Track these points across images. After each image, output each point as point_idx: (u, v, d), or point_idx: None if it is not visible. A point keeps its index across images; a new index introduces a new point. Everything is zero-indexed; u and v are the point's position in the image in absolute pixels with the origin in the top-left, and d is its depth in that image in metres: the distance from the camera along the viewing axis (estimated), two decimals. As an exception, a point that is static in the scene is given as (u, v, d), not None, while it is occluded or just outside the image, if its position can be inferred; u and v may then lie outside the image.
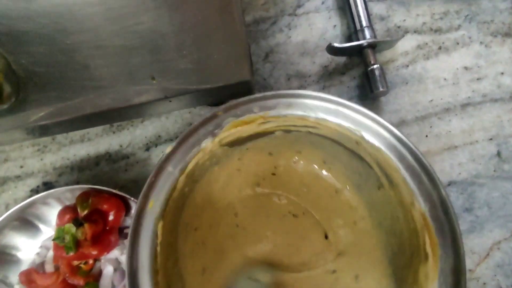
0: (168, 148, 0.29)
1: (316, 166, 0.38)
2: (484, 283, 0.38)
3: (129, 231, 0.28)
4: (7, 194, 0.43)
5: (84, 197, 0.36)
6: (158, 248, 0.28)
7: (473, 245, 0.39)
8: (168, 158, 0.29)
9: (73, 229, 0.34)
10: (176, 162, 0.29)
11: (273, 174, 0.38)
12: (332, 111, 0.31)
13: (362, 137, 0.31)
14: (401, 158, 0.30)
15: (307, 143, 0.36)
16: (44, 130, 0.31)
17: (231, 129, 0.30)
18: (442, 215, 0.29)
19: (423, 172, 0.30)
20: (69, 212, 0.36)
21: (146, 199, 0.28)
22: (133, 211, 0.40)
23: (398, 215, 0.33)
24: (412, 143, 0.30)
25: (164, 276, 0.28)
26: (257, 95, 0.31)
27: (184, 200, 0.32)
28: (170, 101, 0.30)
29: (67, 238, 0.34)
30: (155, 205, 0.29)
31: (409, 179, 0.30)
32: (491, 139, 0.41)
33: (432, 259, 0.29)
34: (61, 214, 0.36)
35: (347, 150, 0.34)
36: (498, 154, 0.41)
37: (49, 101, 0.28)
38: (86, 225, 0.35)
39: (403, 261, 0.33)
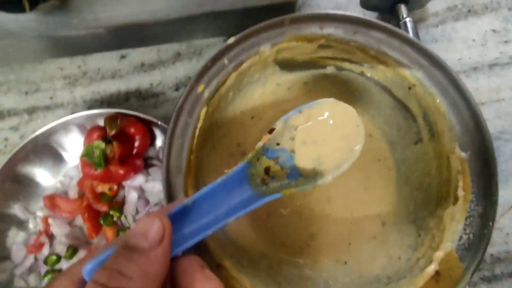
0: (230, 39, 0.29)
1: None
2: (507, 234, 0.38)
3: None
4: (35, 123, 0.43)
5: (113, 118, 0.36)
6: (197, 131, 0.28)
7: None
8: (226, 49, 0.29)
9: (102, 145, 0.34)
10: (232, 57, 0.30)
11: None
12: (395, 46, 0.31)
13: (419, 79, 0.30)
14: (453, 106, 0.30)
15: (354, 88, 0.36)
16: (86, 41, 0.32)
17: (292, 42, 0.30)
18: (482, 163, 0.29)
19: (472, 121, 0.29)
20: (98, 131, 0.36)
21: (198, 81, 0.29)
22: (158, 141, 0.40)
23: (430, 169, 0.33)
24: (470, 92, 0.29)
25: (195, 159, 0.29)
26: (325, 11, 0.30)
27: (225, 104, 0.33)
28: (215, 18, 0.31)
29: (96, 153, 0.34)
30: (204, 90, 0.29)
31: (457, 126, 0.30)
32: (517, 97, 0.42)
33: (462, 202, 0.29)
34: (90, 133, 0.36)
35: (394, 100, 0.34)
36: (524, 112, 0.41)
37: (96, 5, 0.28)
38: (115, 143, 0.35)
39: (426, 211, 0.33)
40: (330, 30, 0.31)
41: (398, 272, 0.30)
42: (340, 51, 0.32)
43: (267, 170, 0.26)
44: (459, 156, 0.29)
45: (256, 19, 0.33)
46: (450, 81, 0.30)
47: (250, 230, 0.35)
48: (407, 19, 0.41)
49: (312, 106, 0.28)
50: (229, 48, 0.30)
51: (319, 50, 0.32)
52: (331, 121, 0.28)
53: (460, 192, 0.29)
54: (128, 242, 0.18)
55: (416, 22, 0.44)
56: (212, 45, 0.44)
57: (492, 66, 0.43)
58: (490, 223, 0.27)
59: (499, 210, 0.39)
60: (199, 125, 0.29)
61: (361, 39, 0.31)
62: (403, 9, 0.42)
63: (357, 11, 0.45)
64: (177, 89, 0.44)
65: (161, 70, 0.44)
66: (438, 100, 0.30)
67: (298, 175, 0.26)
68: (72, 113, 0.44)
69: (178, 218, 0.21)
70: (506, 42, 0.43)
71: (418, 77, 0.31)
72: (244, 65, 0.30)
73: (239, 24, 0.34)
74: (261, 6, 0.30)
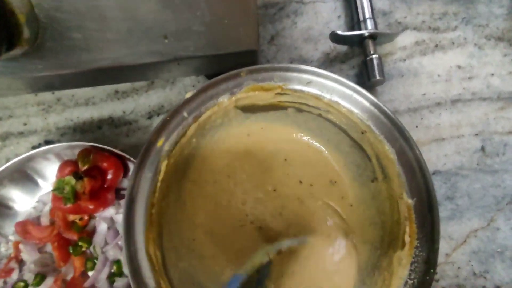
0: (187, 94, 0.30)
1: (319, 150, 0.40)
2: (459, 268, 0.40)
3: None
4: (9, 149, 0.44)
5: (85, 153, 0.37)
6: (158, 184, 0.29)
7: (451, 231, 0.41)
8: (185, 103, 0.30)
9: (72, 181, 0.35)
10: (192, 109, 0.31)
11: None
12: (347, 96, 0.33)
13: (369, 126, 0.33)
14: (400, 152, 0.32)
15: (315, 127, 0.38)
16: (54, 82, 0.33)
17: (250, 92, 0.32)
18: (426, 210, 0.31)
19: (418, 168, 0.31)
20: (70, 165, 0.37)
21: (157, 135, 0.30)
22: (131, 172, 0.41)
23: (385, 208, 0.35)
24: (414, 142, 0.32)
25: (158, 211, 0.30)
26: (281, 64, 0.32)
27: (189, 151, 0.34)
28: (179, 64, 0.32)
29: (67, 189, 0.35)
30: (164, 144, 0.30)
31: (403, 173, 0.32)
32: (476, 134, 0.43)
33: (408, 247, 0.31)
34: (62, 167, 0.37)
35: (351, 140, 0.36)
36: (482, 148, 0.43)
37: (64, 50, 0.29)
38: (85, 179, 0.36)
39: (381, 249, 0.35)
40: (285, 81, 0.33)
41: None
42: (297, 97, 0.34)
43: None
44: (406, 202, 0.31)
45: (221, 63, 0.34)
46: (398, 130, 0.32)
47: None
48: (374, 56, 0.42)
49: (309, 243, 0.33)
50: (187, 101, 0.31)
51: (277, 96, 0.33)
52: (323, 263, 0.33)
53: (407, 238, 0.31)
54: None
55: (384, 56, 0.46)
56: (186, 75, 0.45)
57: (454, 102, 0.44)
58: (432, 271, 0.29)
59: (452, 243, 0.41)
60: (160, 177, 0.30)
61: (315, 90, 0.32)
62: (370, 45, 0.43)
63: (328, 44, 0.46)
64: (149, 117, 0.45)
65: (134, 98, 0.45)
66: (386, 147, 0.32)
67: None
68: (46, 139, 0.45)
69: None
70: (469, 78, 0.45)
71: (368, 124, 0.32)
72: (204, 116, 0.32)
73: (204, 67, 0.35)
74: (223, 53, 0.31)
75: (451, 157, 0.43)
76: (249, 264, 0.29)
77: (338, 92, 0.32)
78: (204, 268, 0.35)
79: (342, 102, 0.32)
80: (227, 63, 0.33)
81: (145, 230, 0.29)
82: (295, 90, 0.32)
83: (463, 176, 0.42)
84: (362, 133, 0.33)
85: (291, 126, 0.39)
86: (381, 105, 0.32)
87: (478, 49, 0.46)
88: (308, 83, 0.32)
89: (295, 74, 0.32)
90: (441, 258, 0.40)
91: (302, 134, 0.40)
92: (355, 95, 0.32)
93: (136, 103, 0.45)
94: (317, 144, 0.39)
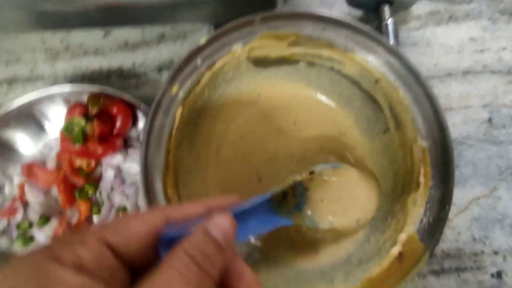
0: (201, 39, 0.30)
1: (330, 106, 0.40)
2: (459, 232, 0.41)
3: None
4: (15, 94, 0.44)
5: (95, 97, 0.37)
6: (174, 132, 0.29)
7: (454, 198, 0.40)
8: (198, 50, 0.30)
9: (82, 122, 0.35)
10: (205, 57, 0.31)
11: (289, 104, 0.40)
12: (361, 42, 0.32)
13: (384, 74, 0.32)
14: (415, 98, 0.32)
15: (326, 82, 0.38)
16: (61, 19, 0.32)
17: (263, 40, 0.31)
18: (441, 152, 0.31)
19: (432, 112, 0.32)
20: (80, 108, 0.37)
21: (171, 82, 0.30)
22: (140, 123, 0.41)
23: (397, 157, 0.35)
24: (430, 86, 0.32)
25: (173, 160, 0.30)
26: (295, 11, 0.32)
27: (201, 104, 0.34)
28: (193, 7, 0.31)
29: (76, 129, 0.35)
30: (178, 92, 0.30)
31: (419, 118, 0.32)
32: (485, 106, 0.44)
33: (423, 188, 0.31)
34: (72, 108, 0.37)
35: (363, 93, 0.36)
36: (489, 120, 0.43)
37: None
38: (95, 122, 0.36)
39: (393, 197, 0.35)
40: (300, 28, 0.32)
41: (368, 254, 0.33)
42: (310, 48, 0.33)
43: (284, 194, 0.30)
44: (421, 145, 0.31)
45: (237, 10, 0.34)
46: (412, 75, 0.32)
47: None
48: (389, 21, 0.42)
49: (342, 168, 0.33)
50: (201, 48, 0.30)
51: (290, 47, 0.33)
52: (353, 188, 0.33)
53: (421, 179, 0.31)
54: (210, 232, 0.18)
55: (398, 24, 0.45)
56: (197, 29, 0.44)
57: (465, 73, 0.44)
58: (447, 207, 0.30)
59: (455, 210, 0.42)
60: (176, 125, 0.30)
61: (329, 36, 0.32)
62: (386, 10, 0.43)
63: (343, 8, 0.45)
64: (159, 71, 0.44)
65: (144, 50, 0.44)
66: (401, 94, 0.32)
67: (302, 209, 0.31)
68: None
69: None
70: (481, 51, 0.45)
71: (382, 71, 0.32)
72: (217, 64, 0.31)
73: (221, 13, 0.35)
74: (241, -2, 0.31)
75: (458, 127, 0.43)
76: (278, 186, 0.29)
77: (353, 39, 0.32)
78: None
79: (357, 50, 0.32)
80: (242, 8, 0.33)
81: (163, 175, 0.29)
82: (310, 38, 0.32)
83: (469, 146, 0.43)
84: (376, 82, 0.33)
85: (302, 82, 0.39)
86: (396, 50, 0.32)
87: (491, 23, 0.46)
88: (323, 29, 0.32)
89: (310, 22, 0.32)
90: (442, 223, 0.41)
91: (313, 91, 0.40)
92: (370, 41, 0.32)
93: (146, 56, 0.44)
94: (328, 101, 0.39)
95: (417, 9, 0.46)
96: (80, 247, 0.17)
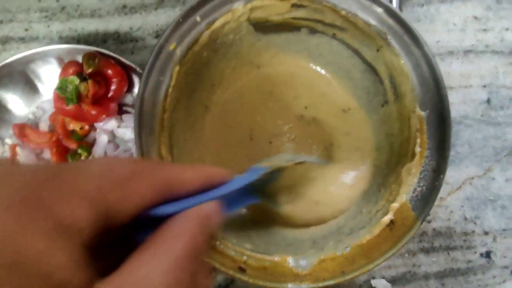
0: None
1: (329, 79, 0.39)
2: (451, 211, 0.41)
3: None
4: (9, 53, 0.43)
5: (91, 56, 0.36)
6: (170, 89, 0.29)
7: (448, 176, 0.40)
8: (198, 5, 0.29)
9: (76, 81, 0.34)
10: (205, 13, 0.30)
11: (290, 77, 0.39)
12: (365, 7, 0.32)
13: (387, 40, 0.32)
14: (416, 65, 0.32)
15: (327, 52, 0.37)
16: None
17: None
18: (438, 122, 0.31)
19: (432, 81, 0.31)
20: (75, 66, 0.36)
21: (169, 38, 0.29)
22: (136, 88, 0.40)
23: (393, 130, 0.35)
24: (432, 54, 0.31)
25: (168, 122, 0.29)
26: None
27: (199, 66, 0.33)
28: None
29: (70, 88, 0.34)
30: (175, 48, 0.29)
31: (417, 87, 0.32)
32: (484, 86, 0.43)
33: (418, 157, 0.31)
34: (66, 67, 0.36)
35: (363, 63, 0.36)
36: (488, 101, 0.43)
37: None
38: (89, 81, 0.35)
39: (387, 171, 0.35)
40: None
41: (359, 223, 0.32)
42: (313, 12, 0.33)
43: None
44: (419, 114, 0.31)
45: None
46: (414, 42, 0.31)
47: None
48: (394, -6, 0.41)
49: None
50: (200, 4, 0.30)
51: (292, 10, 0.33)
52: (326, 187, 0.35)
53: (417, 149, 0.31)
54: (204, 231, 0.17)
55: (403, -1, 0.45)
56: (197, -5, 0.43)
57: (467, 52, 0.44)
58: (441, 176, 0.30)
59: (448, 188, 0.42)
60: (172, 83, 0.29)
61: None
62: (391, -17, 0.42)
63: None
64: (157, 36, 0.43)
65: (142, 14, 0.43)
66: (402, 61, 0.32)
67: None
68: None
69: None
70: (484, 30, 0.44)
71: (385, 37, 0.32)
72: (217, 23, 0.30)
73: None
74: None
75: (457, 106, 0.43)
76: (270, 161, 0.28)
77: (357, 3, 0.31)
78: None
79: (360, 14, 0.31)
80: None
81: (157, 134, 0.29)
82: (312, 0, 0.31)
83: (466, 125, 0.43)
84: (378, 50, 0.33)
85: (302, 53, 0.38)
86: (400, 15, 0.31)
87: (496, 2, 0.45)
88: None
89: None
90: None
91: (312, 64, 0.39)
92: (374, 6, 0.31)
93: (144, 20, 0.43)
94: (327, 74, 0.39)
95: (423, -16, 0.45)
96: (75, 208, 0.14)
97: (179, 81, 0.30)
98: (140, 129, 0.28)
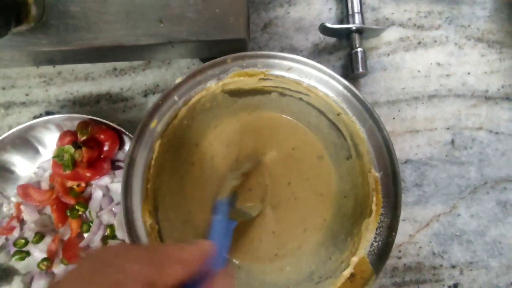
0: (178, 79, 0.33)
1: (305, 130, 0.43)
2: (420, 247, 0.44)
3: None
4: (11, 118, 0.47)
5: (84, 125, 0.40)
6: (153, 162, 0.33)
7: (416, 215, 0.45)
8: (175, 88, 0.34)
9: (72, 149, 0.39)
10: (182, 93, 0.34)
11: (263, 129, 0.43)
12: (323, 81, 0.36)
13: (343, 109, 0.36)
14: (370, 131, 0.36)
15: (297, 110, 0.41)
16: (55, 57, 0.35)
17: (235, 77, 0.35)
18: (391, 183, 0.35)
19: (384, 146, 0.35)
20: (70, 135, 0.40)
21: (150, 117, 0.33)
22: (126, 146, 0.44)
23: (358, 182, 0.39)
24: (382, 123, 0.35)
25: (153, 187, 0.33)
26: (263, 52, 0.35)
27: (181, 133, 0.37)
28: (173, 46, 0.34)
29: (66, 157, 0.38)
30: (157, 126, 0.33)
31: (372, 151, 0.36)
32: (448, 128, 0.47)
33: (375, 214, 0.34)
34: (62, 136, 0.40)
35: (329, 121, 0.40)
36: (452, 142, 0.46)
37: (67, 28, 0.32)
38: (83, 149, 0.39)
39: (353, 219, 0.39)
40: (267, 67, 0.36)
41: (328, 272, 0.36)
42: (279, 82, 0.37)
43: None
44: (374, 175, 0.35)
45: (213, 49, 0.37)
46: (368, 112, 0.35)
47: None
48: (358, 50, 0.45)
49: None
50: (177, 86, 0.34)
51: (260, 81, 0.36)
52: None
53: (374, 207, 0.35)
54: None
55: (369, 50, 0.48)
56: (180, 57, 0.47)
57: (431, 97, 0.47)
58: (394, 233, 0.33)
59: (416, 225, 0.45)
60: (154, 156, 0.33)
61: (295, 75, 0.36)
62: (357, 38, 0.46)
63: (318, 35, 0.48)
64: (145, 95, 0.48)
65: (131, 76, 0.48)
66: (358, 127, 0.35)
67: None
68: (46, 110, 0.48)
69: None
70: (447, 75, 0.48)
71: (342, 107, 0.36)
72: (193, 99, 0.35)
73: (197, 51, 0.38)
74: (214, 40, 0.34)
75: (422, 148, 0.46)
76: (225, 190, 0.34)
77: (316, 77, 0.36)
78: (197, 236, 0.39)
79: (320, 87, 0.36)
80: (218, 48, 0.36)
81: (142, 202, 0.33)
82: (277, 76, 0.36)
83: (432, 166, 0.46)
84: (338, 114, 0.36)
85: (275, 110, 0.42)
86: (354, 89, 0.36)
87: (458, 48, 0.48)
88: (289, 69, 0.35)
89: (277, 61, 0.35)
90: (404, 238, 0.45)
91: (286, 116, 0.43)
92: (331, 80, 0.36)
93: (133, 81, 0.48)
94: (302, 125, 0.43)
95: (388, 35, 0.48)
96: None
97: (162, 151, 0.34)
98: (126, 200, 0.32)
